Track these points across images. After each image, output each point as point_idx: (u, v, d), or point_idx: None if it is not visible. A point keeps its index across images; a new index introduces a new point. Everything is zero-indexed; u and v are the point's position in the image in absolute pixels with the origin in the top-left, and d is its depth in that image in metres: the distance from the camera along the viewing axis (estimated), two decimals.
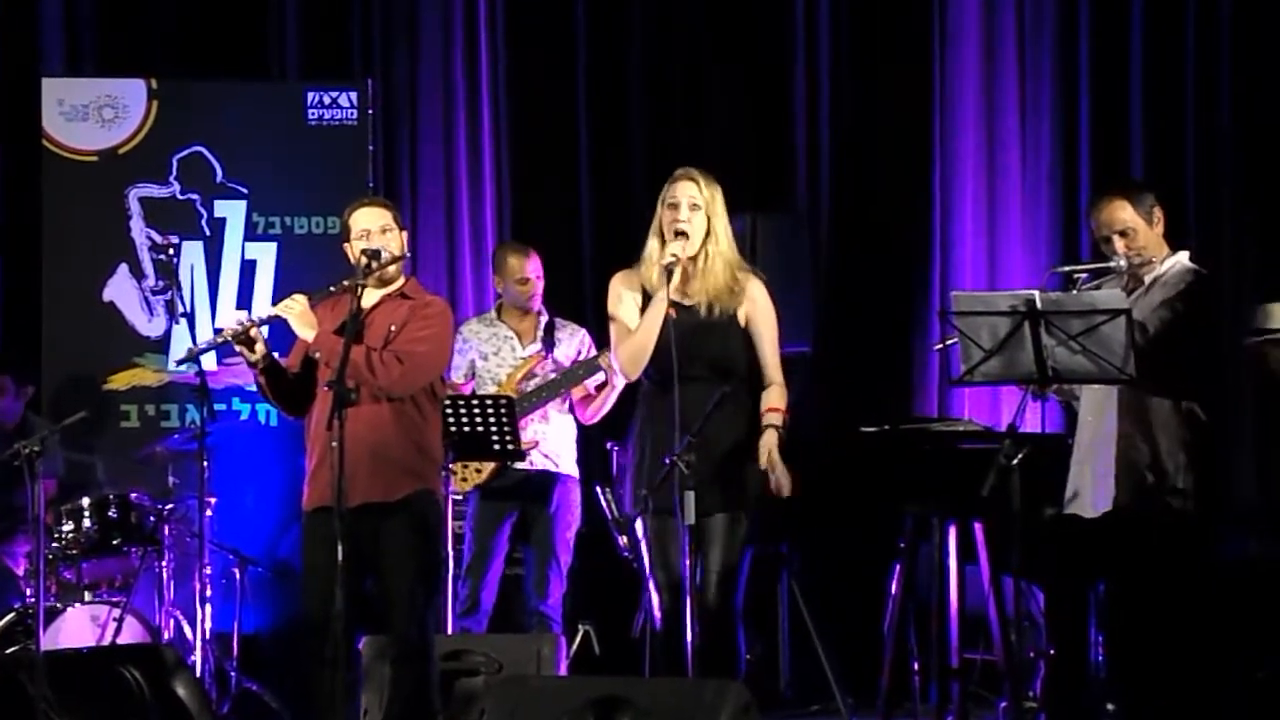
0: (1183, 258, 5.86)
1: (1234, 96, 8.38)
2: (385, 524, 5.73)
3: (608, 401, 7.42)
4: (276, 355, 5.90)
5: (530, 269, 7.54)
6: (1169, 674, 5.67)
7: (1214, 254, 6.14)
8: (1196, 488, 5.69)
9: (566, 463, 7.50)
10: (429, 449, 5.88)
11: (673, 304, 5.72)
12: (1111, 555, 5.72)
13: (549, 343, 7.55)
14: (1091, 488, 5.78)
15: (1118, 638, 5.86)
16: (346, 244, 5.93)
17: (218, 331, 6.06)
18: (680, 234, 5.73)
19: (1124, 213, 5.80)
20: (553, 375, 7.45)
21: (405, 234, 5.98)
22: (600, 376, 7.37)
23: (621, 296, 5.86)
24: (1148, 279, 5.81)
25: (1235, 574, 6.31)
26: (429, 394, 5.88)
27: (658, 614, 5.76)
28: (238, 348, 5.80)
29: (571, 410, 7.52)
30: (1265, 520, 6.79)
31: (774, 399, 5.80)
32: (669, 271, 5.69)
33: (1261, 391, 7.15)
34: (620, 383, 7.08)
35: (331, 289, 5.87)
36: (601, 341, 7.23)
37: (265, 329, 5.87)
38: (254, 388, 7.95)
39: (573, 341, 7.59)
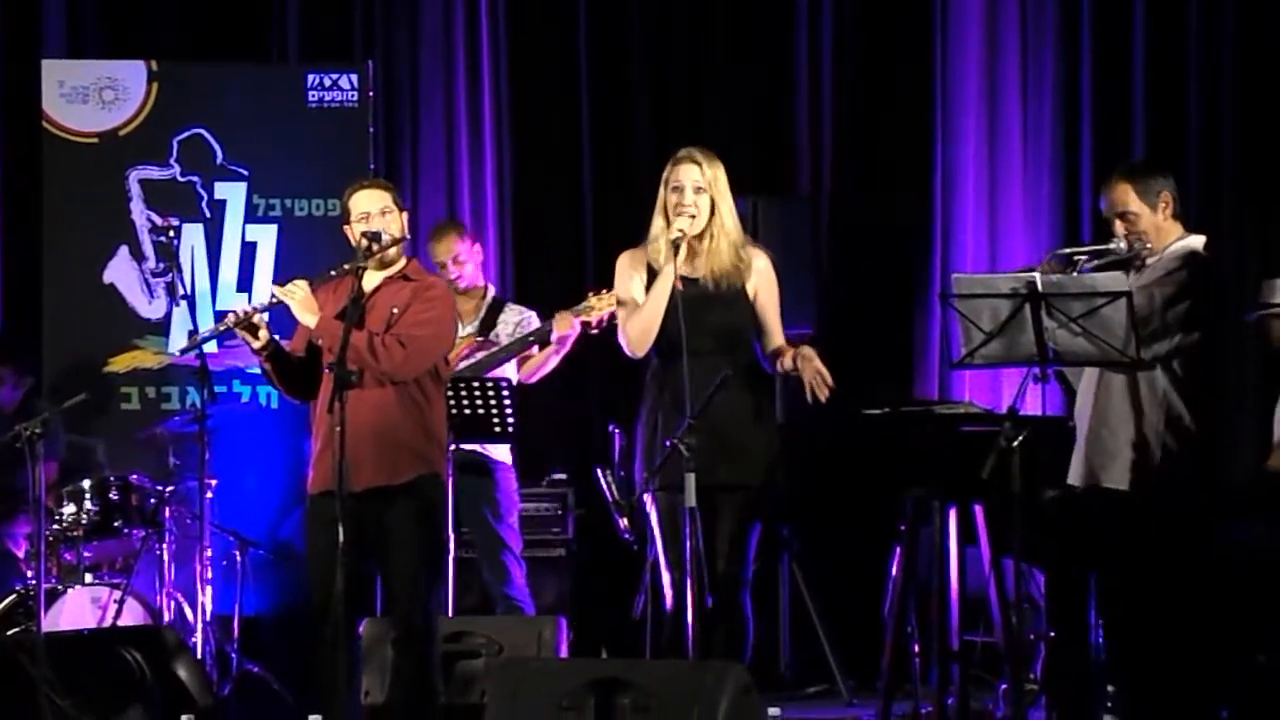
0: (1191, 242, 5.84)
1: (1236, 77, 8.37)
2: (390, 508, 5.72)
3: (547, 362, 7.34)
4: (280, 340, 5.90)
5: (454, 250, 7.43)
6: (1162, 654, 5.68)
7: (1215, 236, 6.12)
8: (1175, 469, 5.68)
9: (497, 449, 7.42)
10: (434, 431, 5.87)
11: (679, 278, 5.75)
12: (1099, 535, 5.72)
13: (488, 324, 7.50)
14: (1078, 465, 5.80)
15: (1111, 618, 5.87)
16: (347, 226, 5.91)
17: (220, 319, 6.04)
18: (686, 216, 5.76)
19: (1126, 196, 5.80)
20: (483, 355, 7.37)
21: (406, 215, 5.96)
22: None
23: (628, 275, 5.88)
24: (1149, 262, 5.81)
25: (1236, 557, 6.30)
26: (433, 376, 5.86)
27: (669, 592, 5.76)
28: (241, 334, 5.79)
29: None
30: (1267, 501, 6.77)
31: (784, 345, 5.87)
32: (675, 246, 5.71)
33: (1268, 366, 7.15)
34: (569, 342, 7.15)
35: (333, 273, 5.87)
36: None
37: (267, 315, 5.86)
38: (255, 370, 7.98)
39: (515, 323, 7.51)
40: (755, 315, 5.88)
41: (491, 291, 7.64)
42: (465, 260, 7.49)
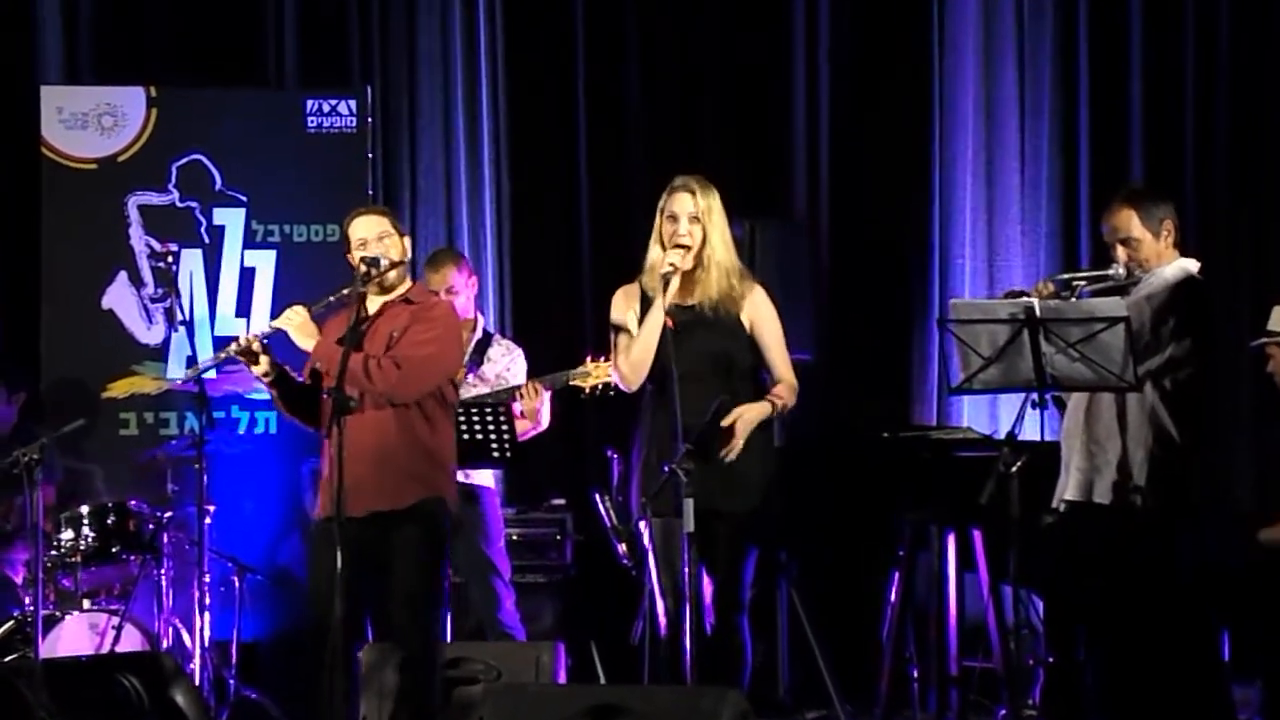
0: (1186, 264, 5.85)
1: (1232, 101, 8.39)
2: (393, 531, 5.73)
3: (525, 435, 7.26)
4: (287, 367, 5.89)
5: (448, 281, 7.31)
6: (1149, 678, 5.68)
7: (1210, 260, 6.15)
8: (1161, 484, 5.69)
9: (480, 475, 7.40)
10: (438, 455, 5.86)
11: (673, 306, 5.75)
12: (1087, 551, 5.73)
13: (476, 359, 7.49)
14: (1071, 481, 5.81)
15: (1097, 641, 5.87)
16: (349, 255, 5.93)
17: (219, 345, 6.06)
18: (681, 246, 5.76)
19: (1130, 222, 5.81)
20: (475, 393, 7.36)
21: (407, 239, 5.98)
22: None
23: (623, 310, 5.88)
24: (1141, 278, 5.82)
25: (1239, 577, 6.31)
26: (438, 399, 5.86)
27: (663, 618, 5.76)
28: (242, 360, 5.80)
29: None
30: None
31: (780, 389, 5.84)
32: (666, 281, 5.71)
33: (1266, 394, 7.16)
34: (544, 424, 7.19)
35: (331, 298, 5.88)
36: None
37: (269, 342, 5.85)
38: (254, 396, 8.00)
39: (503, 361, 7.49)
40: (755, 348, 5.86)
41: (482, 323, 7.62)
42: (459, 291, 7.45)
